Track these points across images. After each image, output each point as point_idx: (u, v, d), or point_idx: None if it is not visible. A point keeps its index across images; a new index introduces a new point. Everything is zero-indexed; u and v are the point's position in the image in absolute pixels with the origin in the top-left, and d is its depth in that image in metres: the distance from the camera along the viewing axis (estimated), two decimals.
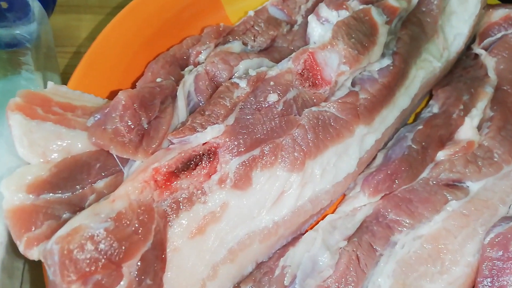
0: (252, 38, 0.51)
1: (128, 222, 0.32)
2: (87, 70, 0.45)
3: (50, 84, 0.41)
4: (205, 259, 0.36)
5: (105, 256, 0.30)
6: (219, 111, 0.39)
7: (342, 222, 0.42)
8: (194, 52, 0.49)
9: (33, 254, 0.32)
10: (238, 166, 0.38)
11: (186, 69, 0.48)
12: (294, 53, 0.46)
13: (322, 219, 0.43)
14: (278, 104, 0.41)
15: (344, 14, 0.48)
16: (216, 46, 0.50)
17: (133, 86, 0.47)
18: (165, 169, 0.35)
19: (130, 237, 0.31)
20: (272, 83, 0.41)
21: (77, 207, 0.34)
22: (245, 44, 0.51)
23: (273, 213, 0.39)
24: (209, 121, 0.38)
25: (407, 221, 0.42)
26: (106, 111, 0.38)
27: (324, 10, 0.49)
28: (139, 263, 0.31)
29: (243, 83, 0.41)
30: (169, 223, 0.35)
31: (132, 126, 0.37)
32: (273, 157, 0.39)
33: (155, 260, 0.33)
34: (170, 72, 0.46)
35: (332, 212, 0.44)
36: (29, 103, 0.37)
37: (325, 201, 0.42)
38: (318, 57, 0.44)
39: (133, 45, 0.49)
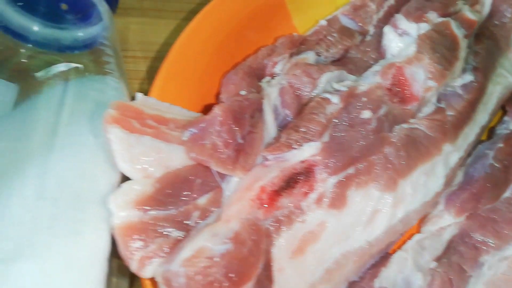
0: (326, 48, 0.51)
1: (243, 243, 0.31)
2: (166, 80, 0.44)
3: (139, 95, 0.40)
4: (305, 279, 0.36)
5: (227, 279, 0.29)
6: (315, 128, 0.38)
7: (430, 242, 0.41)
8: (271, 63, 0.48)
9: (146, 273, 0.32)
10: (334, 184, 0.38)
11: (263, 80, 0.47)
12: (378, 67, 0.45)
13: (407, 237, 0.43)
14: (371, 121, 0.40)
15: (424, 27, 0.47)
16: (290, 56, 0.49)
17: (214, 97, 0.46)
18: (270, 188, 0.34)
19: (247, 259, 0.31)
20: (364, 99, 0.41)
21: (183, 224, 0.34)
22: (318, 54, 0.50)
23: (367, 233, 0.39)
24: (305, 138, 0.38)
25: (493, 242, 0.42)
26: (202, 126, 0.37)
27: (402, 22, 0.48)
28: (254, 286, 0.31)
29: (335, 99, 0.40)
30: (273, 242, 0.34)
31: (229, 142, 0.37)
32: (367, 176, 0.39)
33: (266, 282, 0.32)
34: (250, 84, 0.45)
35: (417, 231, 0.43)
36: (124, 116, 0.37)
37: (414, 220, 0.41)
38: (406, 72, 0.43)
39: (206, 54, 0.48)
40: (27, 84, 0.42)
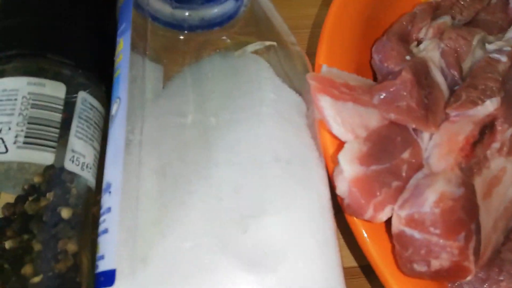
0: (459, 12, 0.55)
1: (469, 187, 0.37)
2: (328, 51, 0.49)
3: (324, 67, 0.45)
4: (491, 216, 0.42)
5: (466, 215, 0.35)
6: (493, 85, 0.43)
7: None
8: (415, 28, 0.52)
9: (382, 217, 0.37)
10: (511, 134, 0.43)
11: (411, 45, 0.51)
12: None
13: None
14: None
15: None
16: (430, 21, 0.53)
17: (368, 64, 0.51)
18: (472, 139, 0.40)
19: (473, 199, 0.37)
20: None
21: (397, 176, 0.39)
22: (453, 18, 0.54)
23: None
24: (486, 94, 0.42)
25: None
26: (393, 89, 0.42)
27: None
28: (475, 224, 0.37)
29: (503, 58, 0.45)
30: None
31: (419, 102, 0.42)
32: None
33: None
34: (406, 50, 0.49)
35: None
36: (324, 86, 0.42)
37: None
38: None
39: (355, 25, 0.52)
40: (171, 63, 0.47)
